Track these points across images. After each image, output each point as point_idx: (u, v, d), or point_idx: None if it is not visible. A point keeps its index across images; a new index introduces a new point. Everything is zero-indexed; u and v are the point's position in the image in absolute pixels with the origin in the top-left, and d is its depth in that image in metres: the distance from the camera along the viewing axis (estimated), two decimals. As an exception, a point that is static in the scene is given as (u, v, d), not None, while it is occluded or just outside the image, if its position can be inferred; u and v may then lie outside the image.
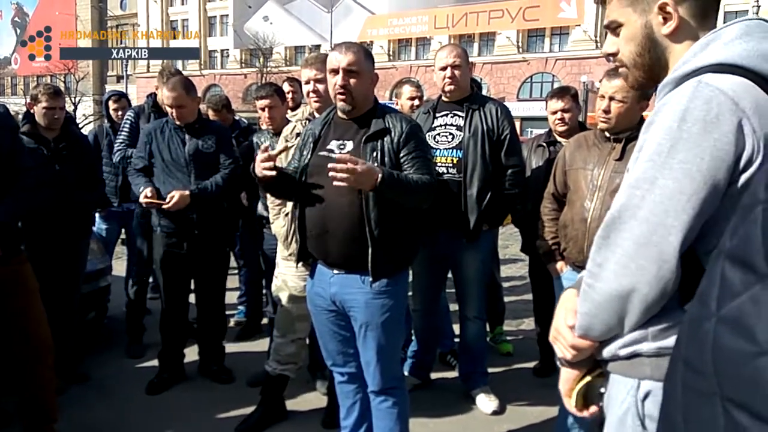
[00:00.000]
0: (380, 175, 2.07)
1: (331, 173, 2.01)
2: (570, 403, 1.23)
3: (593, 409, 1.22)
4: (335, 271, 2.33)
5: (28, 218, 3.29)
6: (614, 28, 1.23)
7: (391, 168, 2.22)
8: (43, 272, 3.23)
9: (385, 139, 2.27)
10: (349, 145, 2.29)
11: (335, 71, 2.26)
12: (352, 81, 2.25)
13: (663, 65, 1.19)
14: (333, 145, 2.32)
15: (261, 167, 2.22)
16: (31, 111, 3.42)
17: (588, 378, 1.20)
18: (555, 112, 3.46)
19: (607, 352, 1.15)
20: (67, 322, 3.47)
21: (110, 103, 4.72)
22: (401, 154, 2.27)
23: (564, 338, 1.20)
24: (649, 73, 1.21)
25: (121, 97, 4.82)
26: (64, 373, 3.34)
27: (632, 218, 1.04)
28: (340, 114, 2.37)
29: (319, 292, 2.41)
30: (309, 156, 2.36)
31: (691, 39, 1.14)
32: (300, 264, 2.93)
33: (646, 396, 1.10)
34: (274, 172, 2.22)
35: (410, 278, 2.81)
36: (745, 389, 0.72)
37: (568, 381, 1.23)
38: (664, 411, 0.96)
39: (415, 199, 2.26)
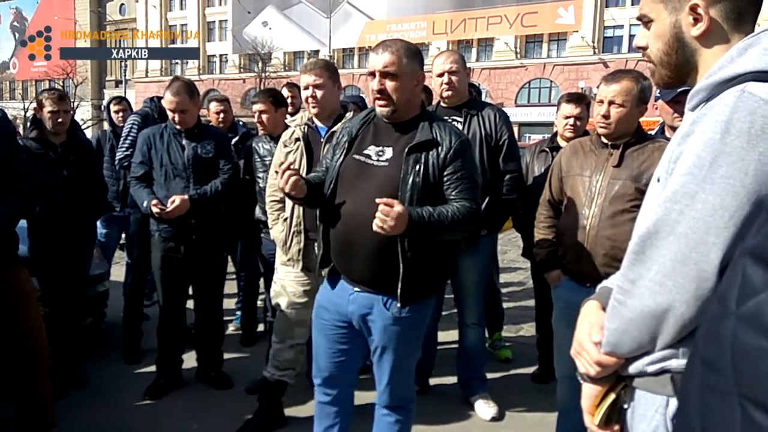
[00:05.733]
0: (408, 219, 1.88)
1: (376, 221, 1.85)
2: (593, 421, 1.18)
3: (616, 427, 1.17)
4: (356, 289, 2.14)
5: (34, 224, 3.30)
6: (646, 21, 1.18)
7: (433, 185, 2.04)
8: (49, 277, 3.24)
9: (431, 152, 2.04)
10: (389, 152, 2.09)
11: (372, 74, 2.06)
12: (388, 84, 2.03)
13: (692, 67, 1.14)
14: (371, 150, 2.12)
15: (289, 186, 2.05)
16: (38, 116, 3.42)
17: (613, 395, 1.16)
18: (568, 117, 3.40)
19: (633, 368, 1.10)
20: (69, 327, 3.46)
21: (112, 105, 4.84)
22: (446, 172, 2.05)
23: (588, 354, 1.15)
24: (676, 73, 1.17)
25: (122, 100, 4.97)
26: (63, 378, 3.33)
27: (670, 234, 0.99)
28: (381, 116, 2.15)
29: (328, 307, 2.23)
30: (342, 158, 2.17)
31: (722, 43, 1.09)
32: (301, 269, 2.91)
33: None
34: (304, 189, 2.09)
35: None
36: (763, 387, 0.72)
37: (591, 397, 1.18)
38: (681, 409, 0.95)
39: (450, 235, 2.06)
